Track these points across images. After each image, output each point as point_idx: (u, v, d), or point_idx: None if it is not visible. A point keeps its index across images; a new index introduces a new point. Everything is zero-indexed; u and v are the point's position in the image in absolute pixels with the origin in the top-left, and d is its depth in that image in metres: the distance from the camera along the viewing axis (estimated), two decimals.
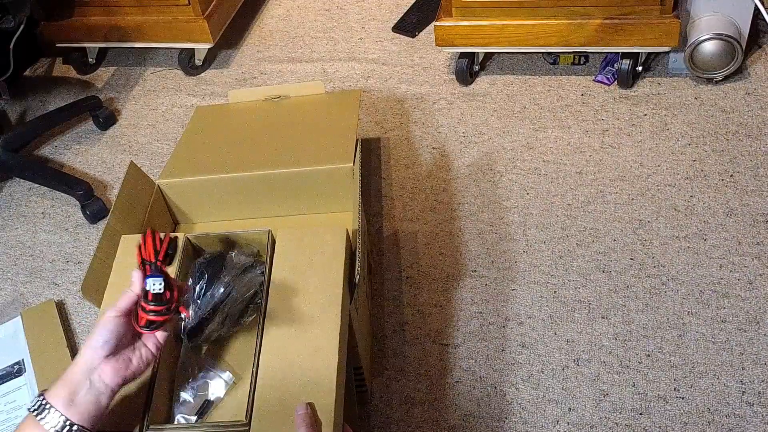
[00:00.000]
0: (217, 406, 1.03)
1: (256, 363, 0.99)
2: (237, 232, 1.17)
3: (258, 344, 1.01)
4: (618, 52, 1.76)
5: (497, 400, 1.25)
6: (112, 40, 2.11)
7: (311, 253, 1.10)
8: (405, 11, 2.21)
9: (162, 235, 0.96)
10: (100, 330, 0.86)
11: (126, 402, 0.97)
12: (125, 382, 0.88)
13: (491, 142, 1.73)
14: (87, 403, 0.84)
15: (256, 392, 0.96)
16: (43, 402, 0.83)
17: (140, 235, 0.96)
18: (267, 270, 1.10)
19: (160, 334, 0.92)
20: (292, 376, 0.97)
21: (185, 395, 1.03)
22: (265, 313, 1.04)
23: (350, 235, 1.17)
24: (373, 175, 1.71)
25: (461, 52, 1.87)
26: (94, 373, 0.85)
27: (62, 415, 0.81)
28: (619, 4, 1.66)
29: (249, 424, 0.94)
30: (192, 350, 1.08)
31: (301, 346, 1.00)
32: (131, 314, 0.90)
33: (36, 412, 0.82)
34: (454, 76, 1.91)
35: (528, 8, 1.72)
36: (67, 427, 0.81)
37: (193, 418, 1.01)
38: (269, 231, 1.14)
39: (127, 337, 0.89)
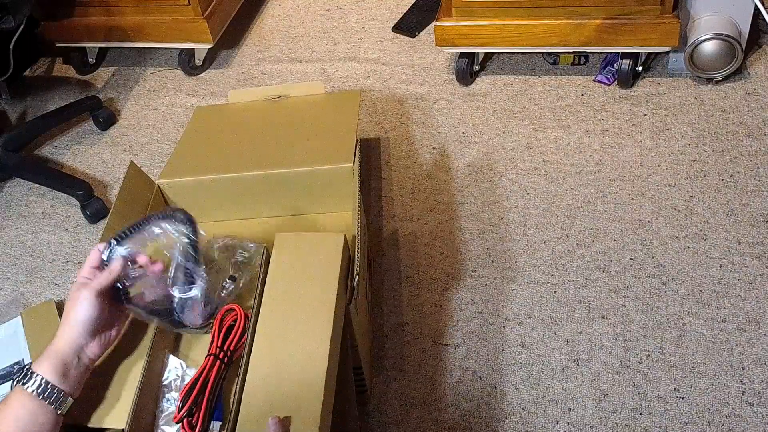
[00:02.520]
0: None
1: (244, 366, 0.99)
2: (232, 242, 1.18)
3: (247, 347, 1.01)
4: (618, 52, 1.76)
5: (497, 400, 1.25)
6: (112, 40, 2.11)
7: (307, 260, 1.10)
8: (405, 11, 2.21)
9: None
10: (82, 316, 0.91)
11: (112, 401, 0.98)
12: (107, 350, 0.97)
13: (491, 142, 1.73)
14: (77, 376, 0.91)
15: (243, 396, 0.96)
16: (30, 372, 0.87)
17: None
18: (261, 274, 1.10)
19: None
20: (281, 380, 0.96)
21: (168, 405, 1.02)
22: (257, 316, 1.04)
23: (348, 237, 1.17)
24: (373, 175, 1.71)
25: (461, 52, 1.87)
26: (82, 352, 0.91)
27: (51, 383, 0.87)
28: (619, 4, 1.66)
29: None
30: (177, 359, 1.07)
31: (291, 351, 0.99)
32: (109, 291, 0.95)
33: (23, 382, 0.87)
34: (454, 76, 1.91)
35: (528, 8, 1.72)
36: (60, 397, 0.87)
37: (173, 430, 1.00)
38: (264, 247, 1.15)
39: (106, 313, 0.95)
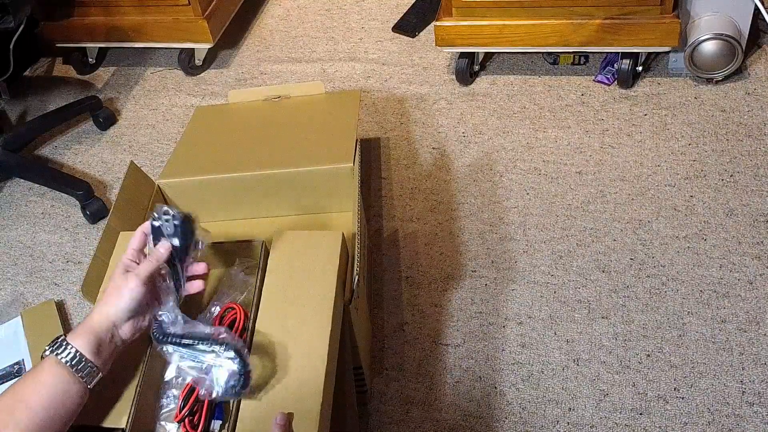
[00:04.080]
0: None
1: None
2: (232, 242, 1.17)
3: (247, 346, 1.01)
4: (618, 52, 1.76)
5: (497, 400, 1.25)
6: (112, 40, 2.11)
7: (306, 257, 1.10)
8: (405, 11, 2.21)
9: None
10: (126, 298, 0.91)
11: (113, 400, 0.98)
12: (141, 332, 0.95)
13: (491, 142, 1.73)
14: (108, 354, 0.90)
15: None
16: (65, 344, 0.88)
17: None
18: (260, 274, 1.10)
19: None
20: (280, 379, 0.97)
21: (167, 401, 1.02)
22: (255, 316, 1.04)
23: (347, 236, 1.17)
24: (373, 175, 1.71)
25: (461, 52, 1.87)
26: (116, 331, 0.91)
27: (85, 357, 0.87)
28: (619, 4, 1.66)
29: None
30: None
31: (291, 350, 0.99)
32: (153, 280, 0.94)
33: (57, 353, 0.87)
34: (454, 76, 1.91)
35: (528, 8, 1.72)
36: (93, 372, 0.87)
37: (174, 426, 1.00)
38: (263, 242, 1.14)
39: (146, 300, 0.94)
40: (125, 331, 0.92)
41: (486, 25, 1.77)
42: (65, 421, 0.85)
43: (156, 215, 0.96)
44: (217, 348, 0.92)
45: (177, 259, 0.96)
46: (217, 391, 0.92)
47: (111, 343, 0.90)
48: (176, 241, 0.96)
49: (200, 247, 0.99)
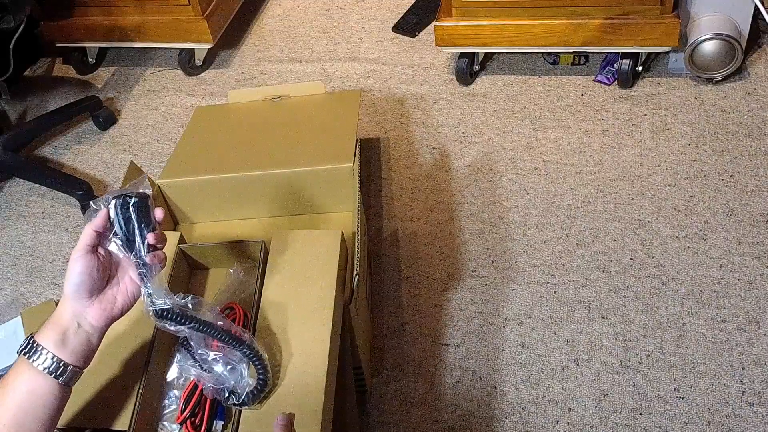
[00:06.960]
0: None
1: None
2: (232, 242, 1.18)
3: None
4: (618, 52, 1.76)
5: (497, 400, 1.25)
6: (112, 40, 2.11)
7: (305, 257, 1.10)
8: (405, 11, 2.21)
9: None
10: (69, 274, 0.84)
11: (115, 401, 0.98)
12: (114, 320, 0.87)
13: (491, 142, 1.73)
14: (77, 344, 0.84)
15: None
16: (34, 343, 0.83)
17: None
18: (260, 274, 1.10)
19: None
20: (281, 379, 0.97)
21: (169, 402, 1.03)
22: (256, 316, 1.04)
23: (347, 236, 1.17)
24: (373, 175, 1.71)
25: (461, 52, 1.87)
26: (81, 317, 0.85)
27: (54, 355, 0.82)
28: (619, 4, 1.66)
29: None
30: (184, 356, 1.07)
31: (291, 350, 1.00)
32: (97, 248, 0.86)
33: (27, 354, 0.83)
34: (454, 76, 1.91)
35: (528, 8, 1.72)
36: (61, 367, 0.83)
37: (176, 427, 1.00)
38: (263, 242, 1.14)
39: (101, 272, 0.86)
40: (92, 314, 0.85)
41: (486, 25, 1.77)
42: (47, 423, 0.83)
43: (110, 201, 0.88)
44: (246, 351, 0.92)
45: (139, 237, 0.87)
46: (235, 397, 0.92)
47: (79, 332, 0.84)
48: (133, 224, 0.87)
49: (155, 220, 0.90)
